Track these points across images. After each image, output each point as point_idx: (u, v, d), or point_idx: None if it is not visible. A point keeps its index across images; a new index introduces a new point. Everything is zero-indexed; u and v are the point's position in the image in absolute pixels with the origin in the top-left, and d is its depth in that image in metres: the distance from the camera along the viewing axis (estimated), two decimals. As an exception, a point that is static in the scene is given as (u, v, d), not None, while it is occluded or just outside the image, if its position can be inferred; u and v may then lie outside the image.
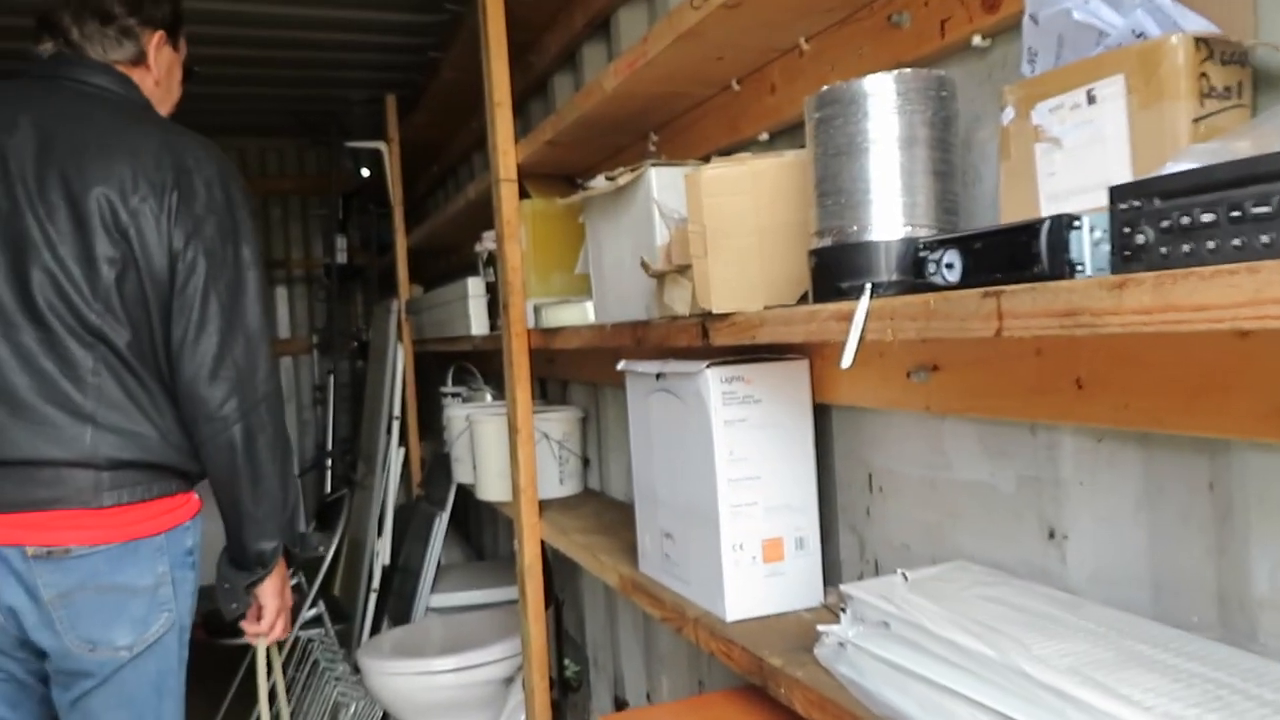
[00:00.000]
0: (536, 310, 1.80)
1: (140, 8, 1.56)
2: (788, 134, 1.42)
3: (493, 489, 2.28)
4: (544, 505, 2.04)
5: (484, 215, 2.81)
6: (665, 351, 1.40)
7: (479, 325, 2.47)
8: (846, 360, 0.85)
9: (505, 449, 2.22)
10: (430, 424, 4.19)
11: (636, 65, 1.35)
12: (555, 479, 2.21)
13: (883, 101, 0.91)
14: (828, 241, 0.95)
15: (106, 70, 1.53)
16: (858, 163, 0.92)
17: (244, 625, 1.64)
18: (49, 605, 1.39)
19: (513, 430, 2.01)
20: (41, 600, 1.39)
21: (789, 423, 1.27)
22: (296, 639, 2.72)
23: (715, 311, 1.12)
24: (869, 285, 0.88)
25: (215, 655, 2.55)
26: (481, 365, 3.15)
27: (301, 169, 5.35)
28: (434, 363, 4.00)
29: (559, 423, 2.21)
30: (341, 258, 3.64)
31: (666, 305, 1.32)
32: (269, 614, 1.61)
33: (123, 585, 1.43)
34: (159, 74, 1.60)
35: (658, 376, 1.40)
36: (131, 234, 1.41)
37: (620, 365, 1.52)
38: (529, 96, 2.67)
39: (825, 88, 0.95)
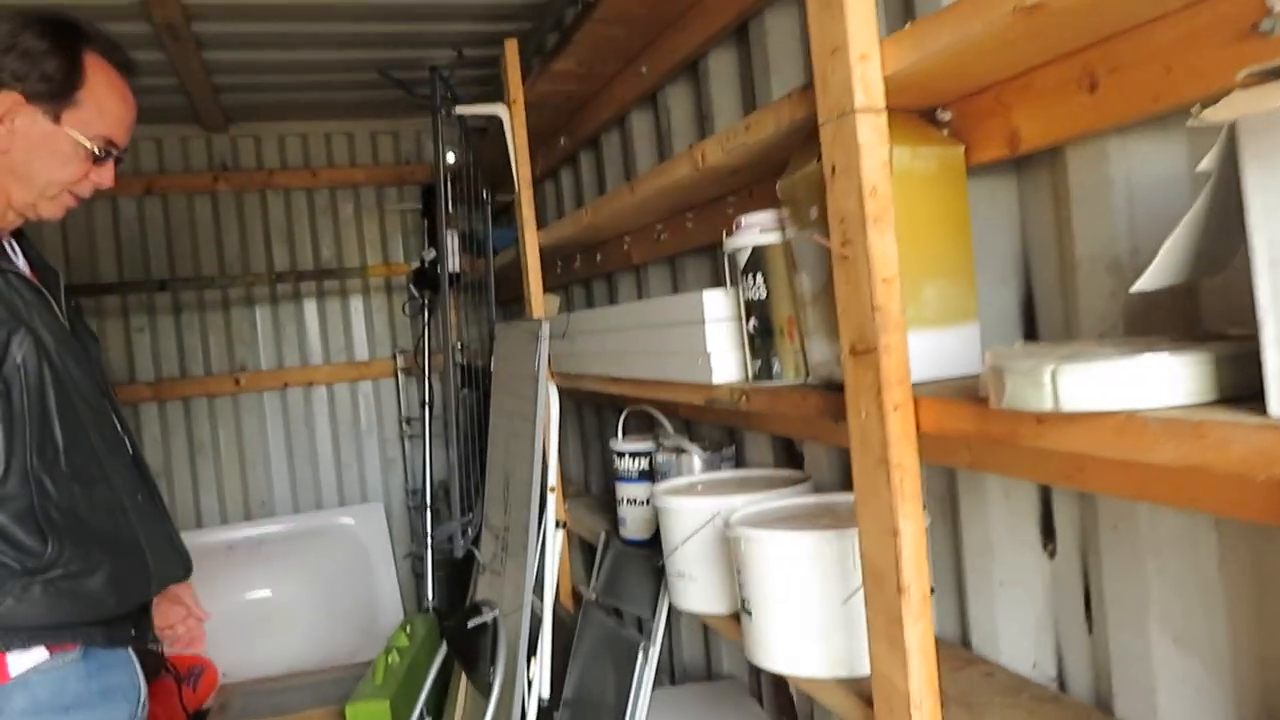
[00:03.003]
0: (1024, 375, 0.83)
1: None
2: None
3: (792, 656, 1.33)
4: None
5: (684, 197, 1.87)
6: None
7: (726, 369, 1.52)
8: None
9: (829, 601, 1.27)
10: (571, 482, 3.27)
11: None
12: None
13: None
14: None
15: None
16: None
17: None
18: None
19: (874, 580, 1.06)
20: None
21: None
22: None
23: None
24: None
25: None
26: (667, 414, 2.21)
27: (375, 157, 4.46)
28: (583, 401, 3.07)
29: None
30: (454, 263, 2.73)
31: None
32: None
33: None
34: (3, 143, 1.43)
35: None
36: None
37: None
38: None
39: None
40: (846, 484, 1.69)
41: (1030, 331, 1.24)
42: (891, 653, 1.06)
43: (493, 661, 1.84)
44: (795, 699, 1.96)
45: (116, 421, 1.57)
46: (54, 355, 1.46)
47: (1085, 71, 1.01)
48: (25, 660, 1.40)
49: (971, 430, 0.96)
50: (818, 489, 1.69)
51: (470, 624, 1.96)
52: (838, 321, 1.16)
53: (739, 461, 2.04)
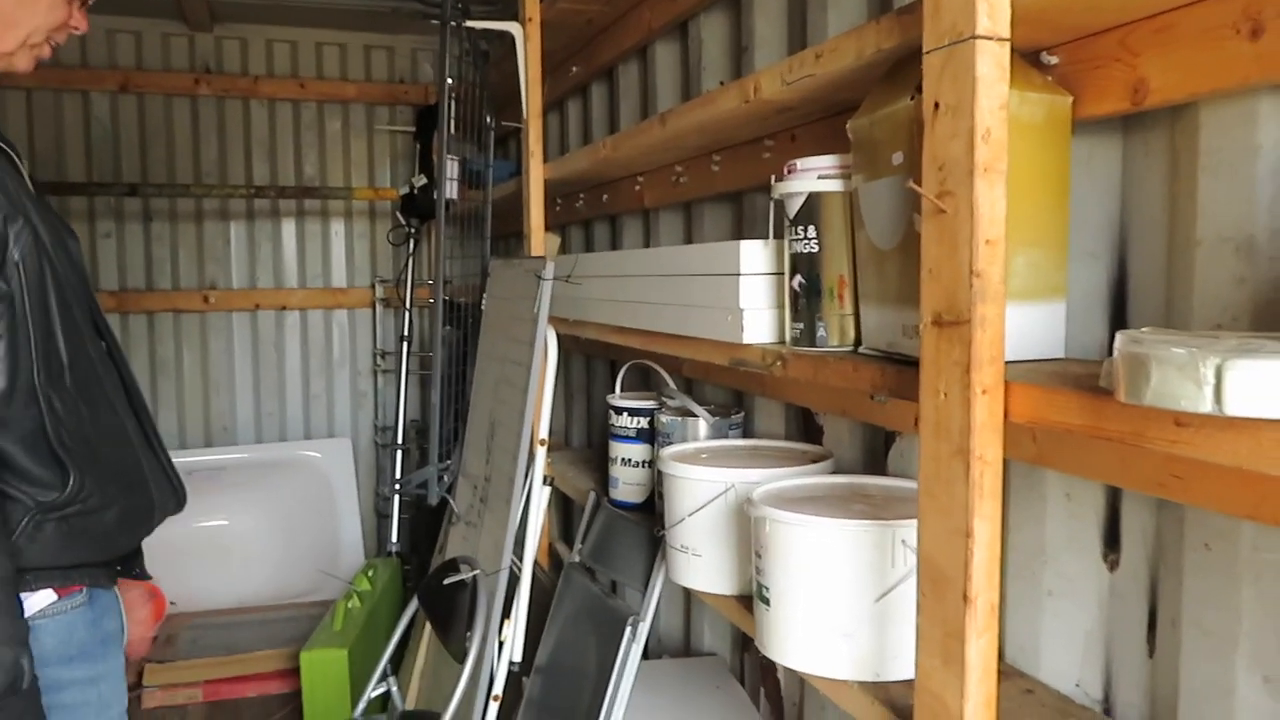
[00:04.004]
0: (1178, 369, 0.69)
1: None
2: None
3: (814, 653, 1.19)
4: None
5: (717, 136, 1.70)
6: None
7: (758, 329, 1.37)
8: None
9: (861, 597, 1.14)
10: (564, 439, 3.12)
11: None
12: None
13: None
14: None
15: None
16: None
17: None
18: None
19: (933, 585, 0.92)
20: None
21: None
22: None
23: None
24: None
25: None
26: (672, 373, 2.07)
27: (368, 73, 4.22)
28: (570, 349, 2.91)
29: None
30: (452, 189, 2.55)
31: None
32: None
33: None
34: None
35: None
36: None
37: None
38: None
39: None
40: (871, 464, 1.57)
41: (1118, 315, 1.10)
42: (945, 669, 0.93)
43: (470, 627, 1.69)
44: (783, 686, 1.84)
45: (100, 334, 1.37)
46: (51, 252, 1.25)
47: (1247, 14, 0.86)
48: (32, 604, 1.23)
49: (1080, 425, 0.82)
50: (838, 468, 1.56)
51: (446, 581, 1.81)
52: (911, 285, 1.01)
53: (747, 430, 1.90)
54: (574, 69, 2.82)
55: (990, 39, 0.87)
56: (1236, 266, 0.93)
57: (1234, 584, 0.95)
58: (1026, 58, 1.07)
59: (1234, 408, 0.66)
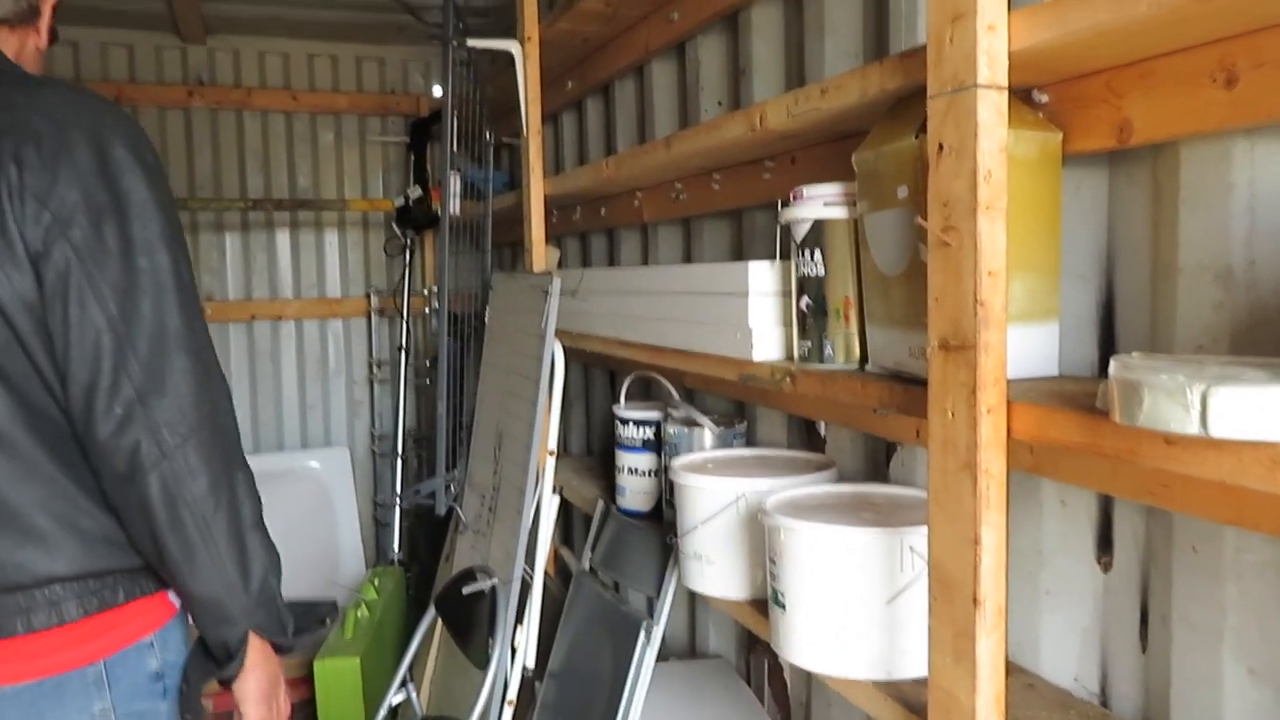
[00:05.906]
0: (1168, 394, 0.76)
1: None
2: None
3: (828, 654, 1.27)
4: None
5: (720, 157, 1.77)
6: None
7: (767, 347, 1.44)
8: None
9: (872, 600, 1.21)
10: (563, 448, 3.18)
11: None
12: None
13: None
14: None
15: None
16: None
17: None
18: None
19: (944, 589, 1.00)
20: None
21: None
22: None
23: None
24: None
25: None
26: (674, 381, 2.13)
27: (359, 84, 4.27)
28: (569, 359, 2.97)
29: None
30: (455, 205, 2.61)
31: None
32: None
33: None
34: (44, 39, 1.27)
35: None
36: None
37: None
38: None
39: None
40: (873, 472, 1.64)
41: (1107, 336, 1.18)
42: (957, 666, 1.01)
43: (491, 634, 1.76)
44: (790, 687, 1.92)
45: None
46: None
47: (1222, 64, 0.94)
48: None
49: (1078, 442, 0.89)
50: (841, 476, 1.63)
51: (465, 590, 1.88)
52: (916, 309, 1.09)
53: (750, 439, 1.98)
54: (569, 84, 2.88)
55: (990, 88, 0.94)
56: (1215, 293, 1.01)
57: (1219, 583, 1.03)
58: (1019, 94, 1.15)
59: (1218, 430, 0.74)
